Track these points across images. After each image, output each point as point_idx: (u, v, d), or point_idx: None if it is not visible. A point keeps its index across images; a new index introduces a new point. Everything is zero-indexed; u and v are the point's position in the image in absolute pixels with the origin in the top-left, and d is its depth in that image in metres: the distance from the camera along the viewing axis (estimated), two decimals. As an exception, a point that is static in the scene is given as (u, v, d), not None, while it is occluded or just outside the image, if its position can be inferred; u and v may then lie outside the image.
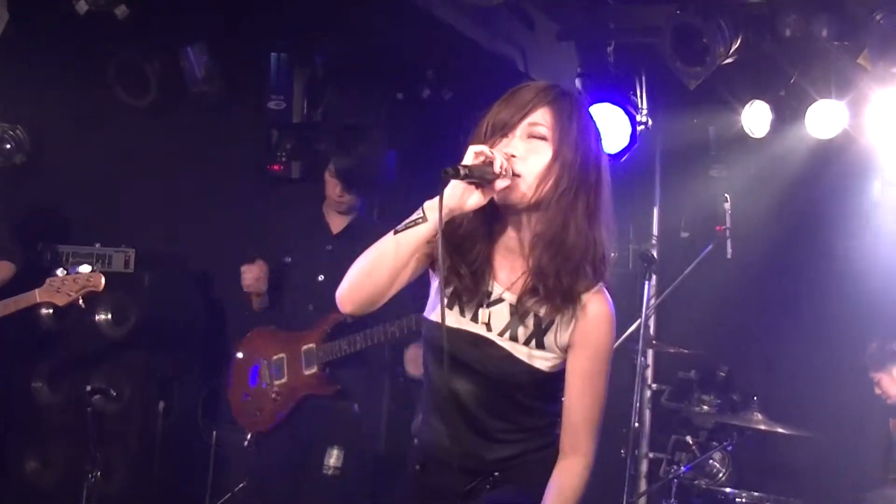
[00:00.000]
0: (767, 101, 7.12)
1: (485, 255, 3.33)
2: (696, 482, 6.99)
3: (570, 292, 3.25)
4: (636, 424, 6.97)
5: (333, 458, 5.97)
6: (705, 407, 7.40)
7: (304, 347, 6.12)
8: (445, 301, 3.34)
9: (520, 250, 3.31)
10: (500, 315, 3.33)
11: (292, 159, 7.80)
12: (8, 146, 7.38)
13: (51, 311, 6.94)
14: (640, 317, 6.85)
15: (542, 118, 3.23)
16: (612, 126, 6.87)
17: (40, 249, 7.17)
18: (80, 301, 5.89)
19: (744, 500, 6.71)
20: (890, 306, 7.24)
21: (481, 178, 3.09)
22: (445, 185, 3.11)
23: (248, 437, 6.24)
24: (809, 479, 7.45)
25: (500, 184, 3.13)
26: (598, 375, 3.35)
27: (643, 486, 7.89)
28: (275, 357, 6.21)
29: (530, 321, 3.31)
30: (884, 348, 6.97)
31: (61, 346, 7.21)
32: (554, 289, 3.25)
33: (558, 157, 3.21)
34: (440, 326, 3.26)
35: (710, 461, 7.15)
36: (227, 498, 6.92)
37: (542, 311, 3.29)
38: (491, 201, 3.19)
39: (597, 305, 3.28)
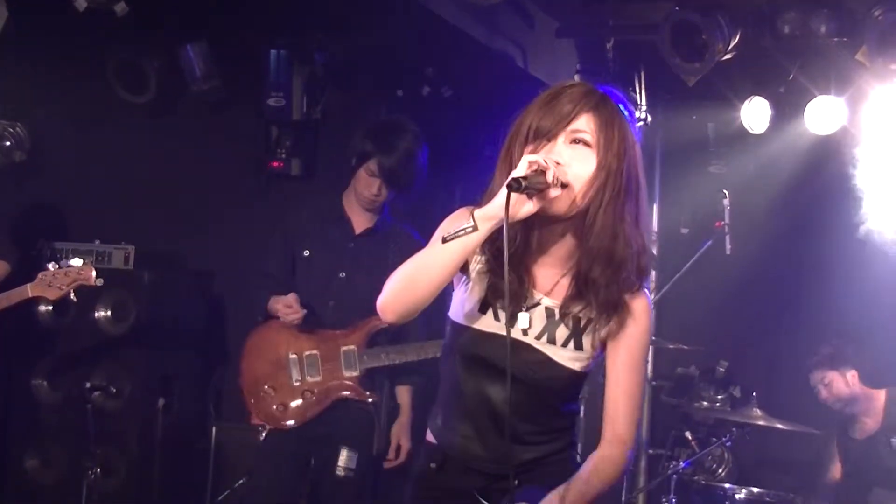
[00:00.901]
0: (766, 98, 7.13)
1: (523, 260, 3.33)
2: (695, 478, 7.00)
3: (619, 300, 3.31)
4: (635, 420, 6.99)
5: (345, 458, 5.95)
6: (705, 403, 7.41)
7: (344, 348, 6.02)
8: (478, 307, 3.36)
9: (560, 255, 3.34)
10: (537, 319, 3.35)
11: (292, 156, 7.82)
12: (7, 143, 7.37)
13: (50, 308, 6.94)
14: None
15: (585, 125, 3.22)
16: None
17: (40, 246, 7.16)
18: (72, 295, 5.88)
19: (743, 495, 6.72)
20: (889, 300, 7.27)
21: (534, 187, 3.08)
22: (508, 198, 3.07)
23: (265, 432, 6.05)
24: (809, 474, 7.46)
25: (552, 193, 3.12)
26: (637, 366, 3.39)
27: (642, 482, 7.90)
28: (307, 353, 6.05)
29: (569, 322, 3.35)
30: (841, 350, 7.05)
31: (61, 344, 7.20)
32: (605, 299, 3.30)
33: (604, 164, 3.21)
34: (471, 332, 3.34)
35: (710, 457, 7.16)
36: (227, 495, 6.92)
37: (582, 316, 3.34)
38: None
39: (637, 301, 3.34)
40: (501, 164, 3.28)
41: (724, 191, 7.15)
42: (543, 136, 3.22)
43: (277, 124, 7.81)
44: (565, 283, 3.34)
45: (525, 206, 3.11)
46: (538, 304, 3.35)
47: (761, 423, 6.73)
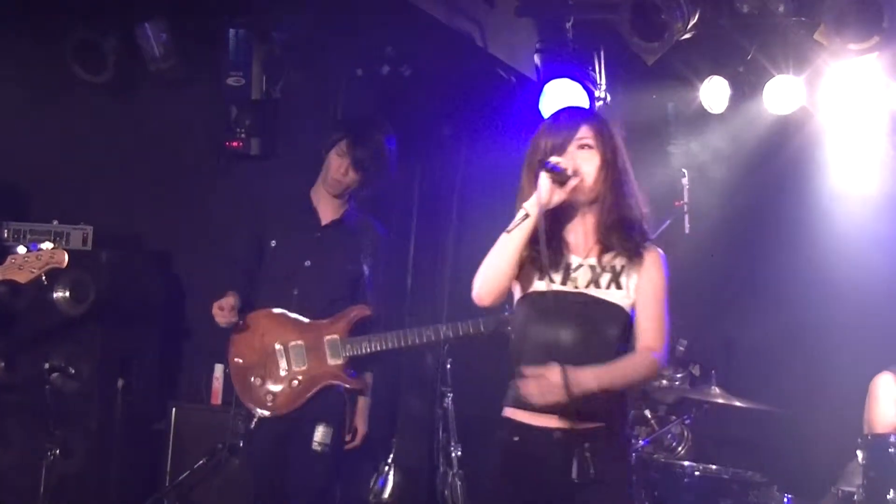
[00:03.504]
0: (725, 77, 7.17)
1: (559, 238, 4.31)
2: (654, 456, 7.02)
3: (637, 246, 4.28)
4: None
5: (321, 434, 6.00)
6: (664, 381, 7.41)
7: (328, 338, 6.09)
8: (535, 277, 4.27)
9: (588, 230, 4.33)
10: (583, 275, 4.29)
11: (251, 136, 7.79)
12: (-36, 124, 7.33)
13: (6, 288, 6.87)
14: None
15: (586, 132, 4.29)
16: (571, 102, 6.89)
17: (-2, 227, 7.13)
18: (43, 278, 5.86)
19: (702, 473, 6.75)
20: (844, 281, 7.33)
21: (560, 178, 4.11)
22: (539, 177, 4.12)
23: (255, 419, 6.05)
24: (767, 452, 7.51)
25: (573, 182, 4.15)
26: (659, 296, 4.30)
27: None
28: (292, 343, 6.09)
29: (608, 270, 4.29)
30: None
31: (19, 324, 7.16)
32: (627, 249, 4.28)
33: (604, 158, 4.27)
34: (533, 295, 4.28)
35: (669, 435, 7.19)
36: (187, 475, 6.91)
37: (616, 264, 4.29)
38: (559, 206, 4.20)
39: (652, 253, 4.32)
40: (528, 175, 4.25)
41: (684, 170, 7.17)
42: (557, 149, 4.23)
43: (237, 104, 7.78)
44: (597, 247, 4.31)
45: (556, 195, 4.13)
46: (581, 265, 4.30)
47: (720, 401, 6.76)
